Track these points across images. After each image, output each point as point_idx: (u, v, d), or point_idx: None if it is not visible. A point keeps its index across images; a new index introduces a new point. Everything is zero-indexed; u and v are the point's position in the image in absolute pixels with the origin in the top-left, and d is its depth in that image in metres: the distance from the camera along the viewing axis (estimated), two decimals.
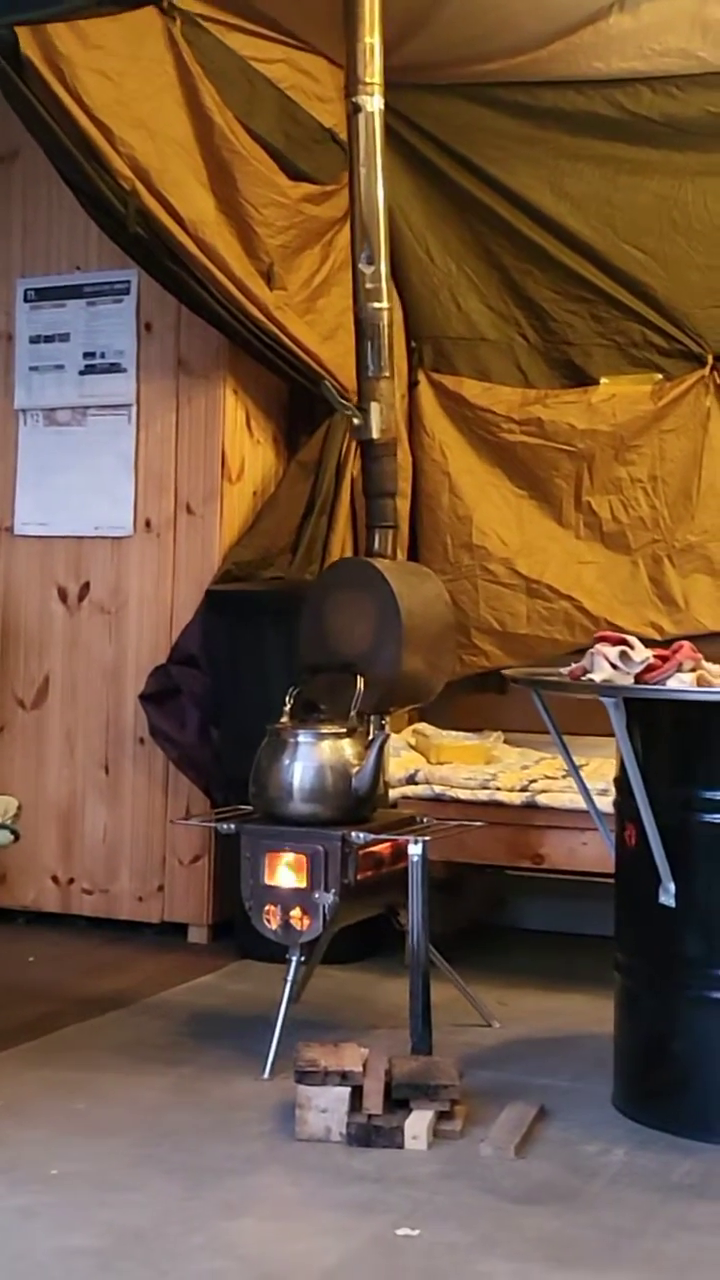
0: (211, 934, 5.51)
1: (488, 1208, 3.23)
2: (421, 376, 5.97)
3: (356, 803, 4.27)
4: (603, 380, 5.81)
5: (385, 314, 4.89)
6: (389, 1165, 3.43)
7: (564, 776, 4.82)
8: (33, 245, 5.79)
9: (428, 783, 5.15)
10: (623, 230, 5.75)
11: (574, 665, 3.82)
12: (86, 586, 5.70)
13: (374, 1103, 3.57)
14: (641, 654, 3.68)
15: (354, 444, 5.30)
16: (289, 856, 4.22)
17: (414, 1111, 3.59)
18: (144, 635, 5.61)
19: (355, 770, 4.26)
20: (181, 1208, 3.20)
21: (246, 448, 5.64)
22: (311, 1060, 3.63)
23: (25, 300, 5.77)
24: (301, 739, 4.28)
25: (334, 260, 5.60)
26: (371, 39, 4.83)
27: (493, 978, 4.94)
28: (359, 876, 4.20)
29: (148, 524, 5.61)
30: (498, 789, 5.05)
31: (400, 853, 4.25)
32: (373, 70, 4.83)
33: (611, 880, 4.00)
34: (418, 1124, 3.55)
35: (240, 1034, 4.35)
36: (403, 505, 5.79)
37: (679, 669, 3.66)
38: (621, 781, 3.82)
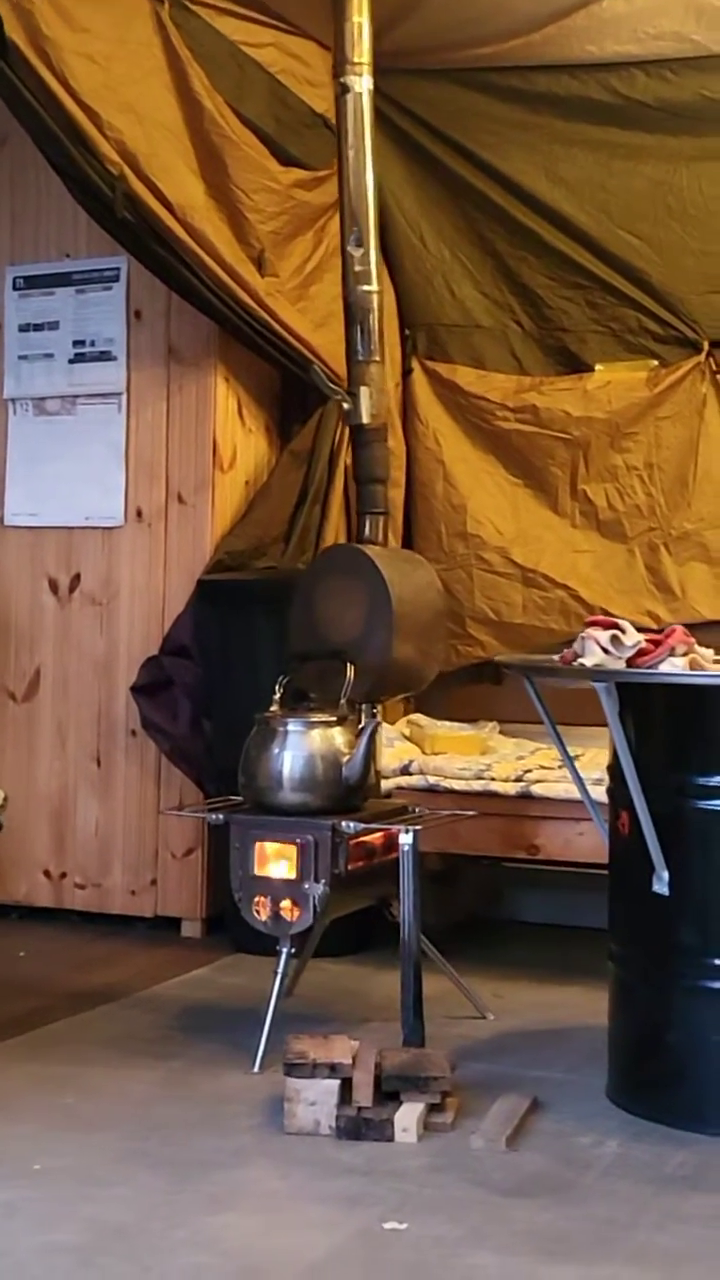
0: (205, 928, 5.46)
1: (477, 1200, 3.17)
2: (415, 364, 5.93)
3: (347, 792, 4.21)
4: (598, 367, 5.76)
5: (375, 297, 4.85)
6: (378, 1158, 3.38)
7: (559, 767, 4.77)
8: (21, 232, 5.74)
9: (422, 773, 5.10)
10: (617, 216, 5.70)
11: (565, 650, 3.76)
12: (77, 578, 5.65)
13: (363, 1095, 3.51)
14: (633, 638, 3.63)
15: (347, 432, 5.24)
16: (278, 847, 4.16)
17: (404, 1104, 3.54)
18: (135, 626, 5.57)
19: (346, 759, 4.21)
20: (166, 1202, 3.15)
21: (238, 436, 5.58)
22: (300, 1053, 3.58)
23: (14, 288, 5.72)
24: (291, 728, 4.23)
25: (326, 247, 5.54)
26: (360, 18, 4.79)
27: (489, 970, 4.89)
28: (350, 867, 4.14)
29: (139, 514, 5.56)
30: (492, 779, 5.00)
31: (392, 843, 4.19)
32: (361, 50, 4.78)
33: (608, 871, 3.95)
34: (408, 1116, 3.49)
35: (231, 1028, 4.30)
36: (397, 494, 5.75)
37: (671, 653, 3.60)
38: (615, 769, 3.77)
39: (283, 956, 4.14)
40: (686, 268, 5.63)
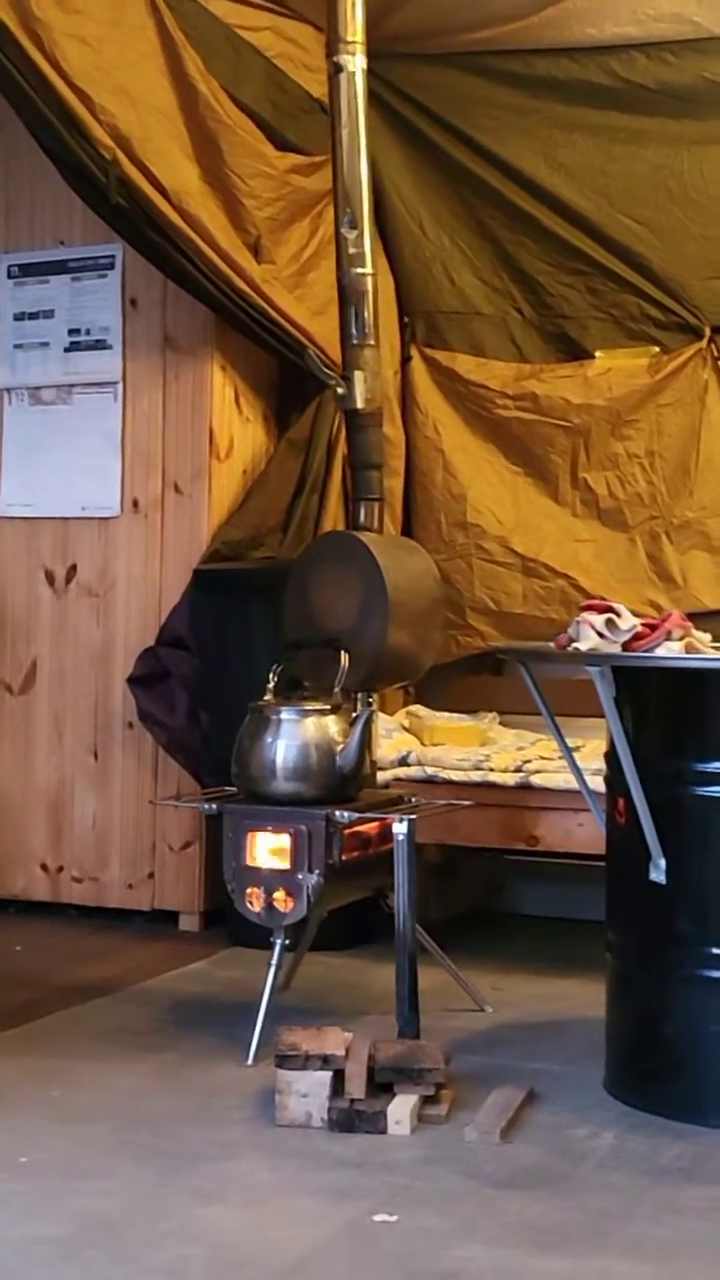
0: (203, 921, 5.41)
1: (469, 1192, 3.11)
2: (414, 352, 5.87)
3: (341, 781, 4.15)
4: (598, 354, 5.71)
5: (369, 280, 4.78)
6: (370, 1150, 3.32)
7: (559, 757, 4.71)
8: (15, 220, 5.70)
9: (420, 764, 5.05)
10: (618, 201, 5.64)
11: (560, 635, 3.70)
12: (74, 569, 5.60)
13: (356, 1086, 3.46)
14: (629, 622, 3.57)
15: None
16: (271, 837, 4.10)
17: (398, 1096, 3.49)
18: (132, 617, 5.52)
19: (340, 748, 4.15)
20: (153, 1195, 3.09)
21: (235, 425, 5.53)
22: (292, 1044, 3.53)
23: (9, 276, 5.68)
24: (284, 716, 4.17)
25: (323, 233, 5.47)
26: None
27: (488, 963, 4.85)
28: (344, 857, 4.08)
29: (135, 504, 5.51)
30: (491, 770, 4.95)
31: (388, 833, 4.13)
32: (354, 29, 4.72)
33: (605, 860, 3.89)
34: (401, 1108, 3.44)
35: (226, 1021, 4.25)
36: (396, 483, 5.70)
37: (668, 637, 3.54)
38: (611, 756, 3.71)
39: (277, 948, 4.08)
40: (688, 253, 5.58)
